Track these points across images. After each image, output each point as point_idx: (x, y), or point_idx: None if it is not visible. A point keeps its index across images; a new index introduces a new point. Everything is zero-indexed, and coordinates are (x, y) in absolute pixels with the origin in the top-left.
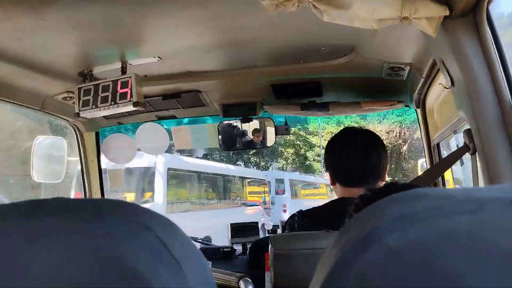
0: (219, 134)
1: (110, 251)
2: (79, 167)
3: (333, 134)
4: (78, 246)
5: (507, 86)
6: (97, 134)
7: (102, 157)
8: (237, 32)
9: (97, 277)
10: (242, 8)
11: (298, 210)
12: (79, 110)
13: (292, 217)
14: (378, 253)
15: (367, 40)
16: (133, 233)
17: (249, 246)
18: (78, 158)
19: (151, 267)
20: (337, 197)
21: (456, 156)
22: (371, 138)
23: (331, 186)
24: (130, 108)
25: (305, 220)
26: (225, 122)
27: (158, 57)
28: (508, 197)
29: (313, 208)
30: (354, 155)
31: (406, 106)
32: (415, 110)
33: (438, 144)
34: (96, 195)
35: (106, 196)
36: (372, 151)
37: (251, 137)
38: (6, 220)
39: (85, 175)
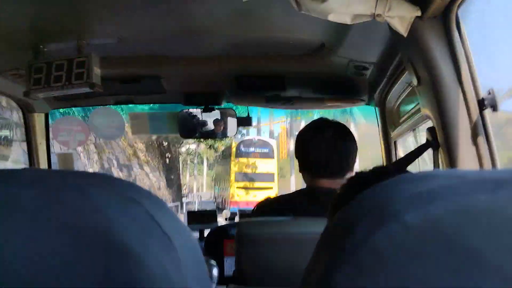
0: (178, 122)
1: (98, 225)
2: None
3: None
4: (60, 219)
5: (472, 86)
6: (46, 116)
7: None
8: (203, 19)
9: (84, 252)
10: None
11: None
12: (30, 89)
13: (262, 202)
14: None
15: (335, 37)
16: (122, 208)
17: (206, 232)
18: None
19: (143, 242)
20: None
21: (418, 152)
22: (340, 131)
23: (300, 173)
24: (86, 89)
25: (276, 206)
26: (185, 111)
27: (118, 37)
28: None
29: (284, 195)
30: (322, 148)
31: (367, 104)
32: (375, 108)
33: (395, 142)
34: None
35: None
36: (340, 143)
37: (212, 126)
38: None
39: (32, 159)
